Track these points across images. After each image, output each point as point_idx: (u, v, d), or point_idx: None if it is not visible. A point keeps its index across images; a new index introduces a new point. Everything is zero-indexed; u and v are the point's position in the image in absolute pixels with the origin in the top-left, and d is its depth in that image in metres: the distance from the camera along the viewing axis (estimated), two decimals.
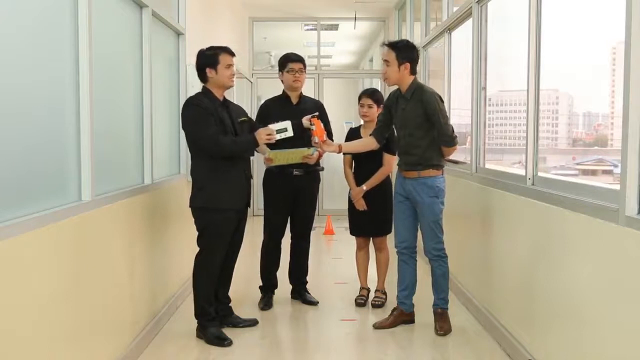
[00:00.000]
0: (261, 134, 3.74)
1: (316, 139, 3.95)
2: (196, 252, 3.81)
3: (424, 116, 3.79)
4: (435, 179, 3.87)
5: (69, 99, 2.82)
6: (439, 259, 3.93)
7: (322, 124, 3.99)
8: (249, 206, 3.95)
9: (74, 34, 2.84)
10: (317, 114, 4.02)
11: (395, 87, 4.01)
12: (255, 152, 4.13)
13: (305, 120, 3.98)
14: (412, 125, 3.86)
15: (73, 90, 2.84)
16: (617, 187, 2.44)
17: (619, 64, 2.47)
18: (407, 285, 4.10)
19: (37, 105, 2.54)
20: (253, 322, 4.12)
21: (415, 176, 3.89)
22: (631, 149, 2.32)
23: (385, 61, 3.87)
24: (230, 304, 4.08)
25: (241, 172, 3.79)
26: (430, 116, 3.77)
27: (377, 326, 4.11)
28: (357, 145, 4.28)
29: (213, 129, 3.58)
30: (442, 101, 3.90)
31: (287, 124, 3.88)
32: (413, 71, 3.88)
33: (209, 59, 3.71)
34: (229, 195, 3.71)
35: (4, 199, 2.24)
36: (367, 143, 4.20)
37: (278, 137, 3.81)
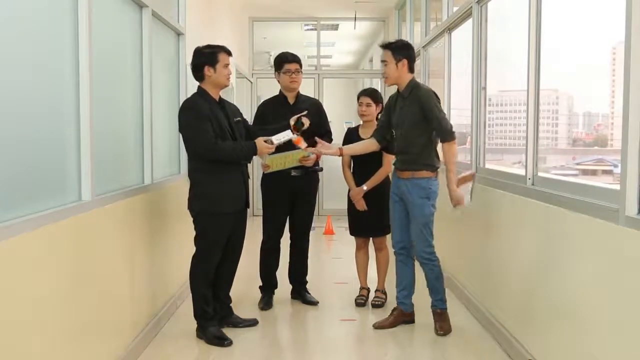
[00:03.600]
0: (262, 148, 3.72)
1: (301, 147, 3.95)
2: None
3: (421, 114, 3.80)
4: (428, 180, 3.86)
5: (68, 98, 2.82)
6: (429, 262, 3.91)
7: (298, 135, 3.93)
8: (248, 207, 3.95)
9: (74, 34, 2.84)
10: (305, 112, 3.99)
11: (394, 89, 4.02)
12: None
13: (291, 121, 3.94)
14: (409, 123, 3.86)
15: (73, 90, 2.84)
16: (617, 187, 2.44)
17: (619, 64, 2.47)
18: (406, 286, 4.10)
19: (37, 105, 2.54)
20: (253, 322, 4.12)
21: (409, 176, 3.88)
22: (631, 149, 2.32)
23: (384, 61, 3.91)
24: (230, 304, 4.07)
25: (239, 174, 3.78)
26: (427, 112, 3.77)
27: (377, 326, 4.10)
28: (358, 148, 4.28)
29: (210, 134, 3.56)
30: (438, 98, 3.91)
31: (289, 134, 3.87)
32: (411, 69, 3.91)
33: (208, 57, 3.68)
34: (228, 198, 3.71)
35: (4, 199, 2.24)
36: (367, 145, 4.21)
37: (277, 143, 3.82)
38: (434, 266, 3.92)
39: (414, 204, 3.87)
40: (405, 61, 3.85)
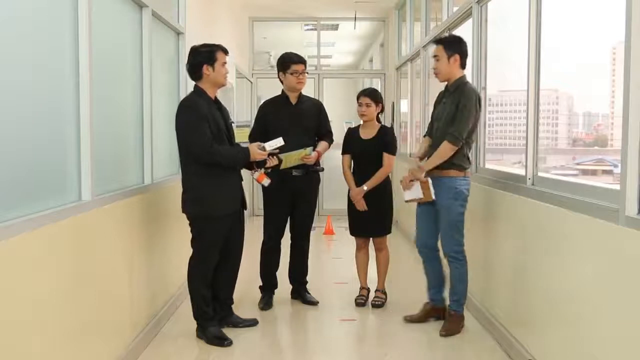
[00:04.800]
0: (255, 154, 3.72)
1: (264, 184, 3.98)
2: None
3: (457, 110, 3.74)
4: (456, 180, 3.80)
5: (69, 99, 2.82)
6: (455, 261, 3.88)
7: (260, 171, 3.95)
8: (245, 208, 3.94)
9: (74, 34, 2.84)
10: (278, 151, 3.90)
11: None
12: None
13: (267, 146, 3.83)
14: (445, 118, 3.82)
15: (73, 90, 2.84)
16: (617, 187, 2.44)
17: (619, 64, 2.47)
18: (434, 284, 4.11)
19: (37, 106, 2.54)
20: (253, 322, 4.11)
21: (437, 175, 3.84)
22: (631, 149, 2.32)
23: (435, 56, 3.88)
24: (232, 305, 4.07)
25: (235, 176, 3.79)
26: (459, 107, 3.70)
27: (409, 319, 4.14)
28: (424, 150, 4.07)
29: (208, 136, 3.54)
30: (480, 103, 3.81)
31: (280, 142, 3.87)
32: (463, 65, 3.86)
33: (206, 55, 3.65)
34: (224, 201, 3.70)
35: (4, 199, 2.24)
36: (427, 145, 4.10)
37: (270, 150, 3.82)
38: (460, 265, 3.88)
39: (441, 205, 3.83)
40: (457, 56, 3.81)
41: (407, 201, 3.99)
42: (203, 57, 3.65)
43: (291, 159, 4.19)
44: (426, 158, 3.96)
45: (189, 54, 3.73)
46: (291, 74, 4.42)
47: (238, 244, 3.97)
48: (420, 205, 4.02)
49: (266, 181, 3.96)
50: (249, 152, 3.72)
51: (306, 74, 4.49)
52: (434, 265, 4.08)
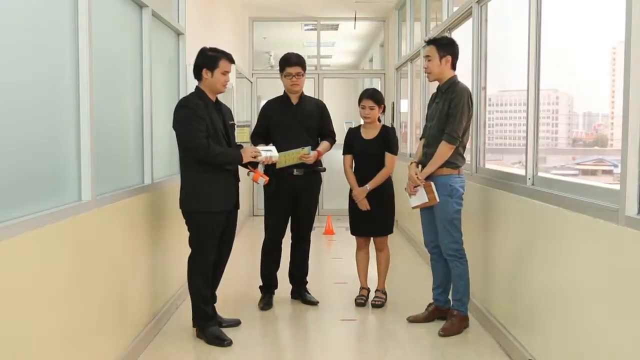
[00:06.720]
0: (247, 152, 3.77)
1: (258, 182, 4.01)
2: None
3: (449, 110, 3.79)
4: (449, 177, 3.84)
5: (68, 98, 2.82)
6: (454, 259, 3.90)
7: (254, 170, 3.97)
8: (238, 208, 3.95)
9: (73, 34, 2.84)
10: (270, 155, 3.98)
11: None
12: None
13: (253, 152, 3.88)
14: (437, 118, 3.86)
15: (73, 90, 2.84)
16: (617, 187, 2.44)
17: (619, 64, 2.47)
18: (440, 283, 4.12)
19: (37, 106, 2.54)
20: (236, 323, 4.09)
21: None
22: (631, 149, 2.32)
23: (427, 57, 3.92)
24: (214, 304, 4.02)
25: (231, 175, 3.81)
26: (451, 107, 3.75)
27: (412, 319, 4.15)
28: (421, 153, 4.06)
29: (203, 133, 3.57)
30: (471, 101, 3.87)
31: (273, 149, 3.95)
32: (454, 66, 3.91)
33: (209, 60, 3.69)
34: (220, 198, 3.73)
35: (4, 199, 2.24)
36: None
37: (263, 155, 3.85)
38: (459, 263, 3.90)
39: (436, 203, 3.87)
40: (449, 57, 3.87)
41: (414, 208, 4.02)
42: (205, 61, 3.70)
43: (289, 157, 4.19)
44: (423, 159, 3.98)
45: (197, 54, 3.77)
46: (285, 76, 4.43)
47: (227, 245, 3.96)
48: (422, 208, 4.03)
49: (261, 180, 3.97)
50: (241, 157, 3.75)
51: (303, 77, 4.46)
52: (441, 265, 4.08)
